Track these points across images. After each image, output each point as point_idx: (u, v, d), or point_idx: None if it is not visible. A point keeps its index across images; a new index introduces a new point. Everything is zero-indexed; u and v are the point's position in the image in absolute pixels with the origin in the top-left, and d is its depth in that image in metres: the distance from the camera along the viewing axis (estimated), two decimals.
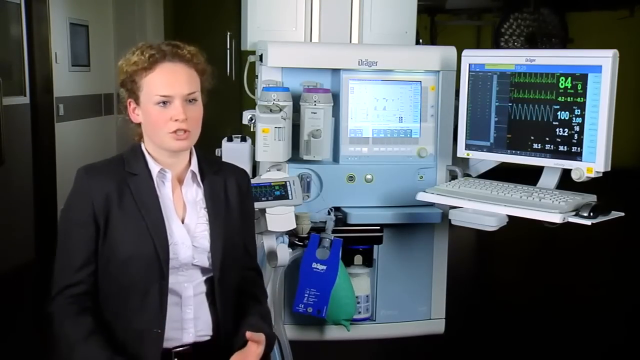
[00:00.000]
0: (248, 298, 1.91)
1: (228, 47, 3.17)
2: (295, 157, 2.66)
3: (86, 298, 1.74)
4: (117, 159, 1.82)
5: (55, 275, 1.77)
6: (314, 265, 2.56)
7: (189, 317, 1.78)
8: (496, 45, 8.61)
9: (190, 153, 1.85)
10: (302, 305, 2.57)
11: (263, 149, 2.58)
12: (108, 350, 1.68)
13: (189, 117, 1.74)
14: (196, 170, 1.84)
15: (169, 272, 1.74)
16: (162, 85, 1.73)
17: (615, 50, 2.30)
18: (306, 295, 2.57)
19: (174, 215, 1.79)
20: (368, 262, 2.77)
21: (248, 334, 1.76)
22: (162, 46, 1.77)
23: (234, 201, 1.87)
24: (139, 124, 1.82)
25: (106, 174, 1.77)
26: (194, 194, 1.83)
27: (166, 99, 1.73)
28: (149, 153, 1.80)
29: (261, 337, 1.78)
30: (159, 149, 1.79)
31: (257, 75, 2.82)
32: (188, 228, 1.79)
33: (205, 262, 1.79)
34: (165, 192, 1.80)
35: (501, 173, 2.75)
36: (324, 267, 2.55)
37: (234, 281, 1.87)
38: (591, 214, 2.24)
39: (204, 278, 1.81)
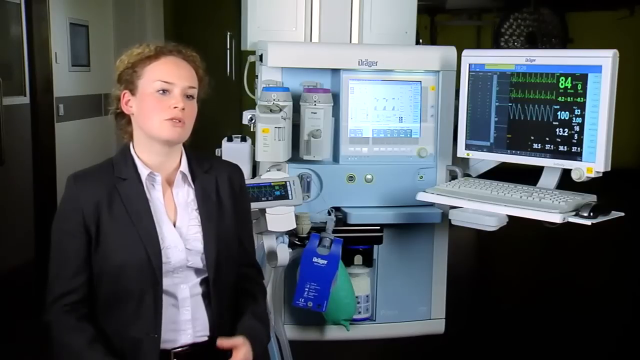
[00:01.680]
0: (245, 297, 1.90)
1: (228, 47, 3.17)
2: (295, 157, 2.65)
3: (82, 305, 1.74)
4: (107, 163, 1.82)
5: (49, 283, 1.76)
6: (315, 259, 2.54)
7: (187, 319, 1.77)
8: (496, 45, 8.63)
9: (181, 154, 1.84)
10: (302, 300, 2.54)
11: (263, 149, 2.58)
12: (112, 357, 1.68)
13: (186, 109, 1.75)
14: (186, 171, 1.83)
15: (164, 275, 1.73)
16: (166, 72, 1.75)
17: (615, 50, 2.29)
18: (306, 289, 2.54)
19: (165, 218, 1.78)
20: (368, 262, 2.76)
21: (219, 341, 1.74)
22: (167, 45, 1.81)
23: (226, 200, 1.86)
24: (129, 123, 1.82)
25: (95, 180, 1.77)
26: (185, 195, 1.82)
27: (167, 87, 1.74)
28: (137, 156, 1.80)
29: (237, 341, 1.75)
30: (149, 146, 1.78)
31: (257, 75, 2.81)
32: (180, 231, 1.78)
33: (199, 263, 1.79)
34: (156, 195, 1.78)
35: (501, 173, 2.75)
36: (325, 262, 2.54)
37: (230, 280, 1.86)
38: (591, 214, 2.24)
39: (200, 279, 1.80)
